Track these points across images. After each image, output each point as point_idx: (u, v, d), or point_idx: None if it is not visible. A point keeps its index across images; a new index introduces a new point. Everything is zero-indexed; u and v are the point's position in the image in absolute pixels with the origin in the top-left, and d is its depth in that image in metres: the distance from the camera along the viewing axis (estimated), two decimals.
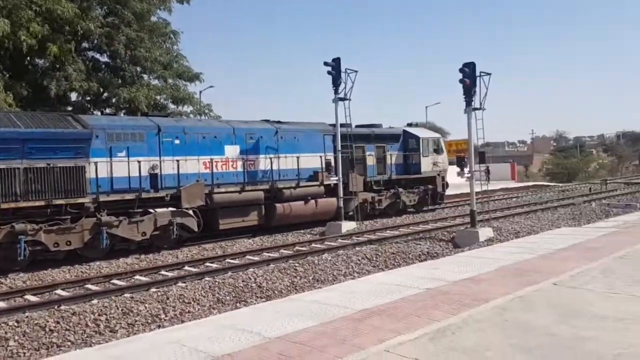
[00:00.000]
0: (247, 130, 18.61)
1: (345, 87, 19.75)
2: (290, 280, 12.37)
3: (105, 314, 9.12)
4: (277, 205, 18.58)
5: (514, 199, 28.98)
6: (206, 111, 29.01)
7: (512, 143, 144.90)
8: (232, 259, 14.27)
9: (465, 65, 16.40)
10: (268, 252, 15.11)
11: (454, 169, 21.03)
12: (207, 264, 13.73)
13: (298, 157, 19.49)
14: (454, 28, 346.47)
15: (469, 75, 16.37)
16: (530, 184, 41.69)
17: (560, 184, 42.43)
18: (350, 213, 20.57)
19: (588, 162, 59.91)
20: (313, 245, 16.32)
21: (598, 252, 9.06)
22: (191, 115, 28.12)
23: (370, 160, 22.60)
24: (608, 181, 38.58)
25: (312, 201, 19.73)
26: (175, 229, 15.59)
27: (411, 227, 19.29)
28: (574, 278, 7.40)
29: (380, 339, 5.22)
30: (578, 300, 6.35)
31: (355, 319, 5.94)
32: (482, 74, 16.38)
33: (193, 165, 16.80)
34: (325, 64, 19.74)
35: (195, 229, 16.26)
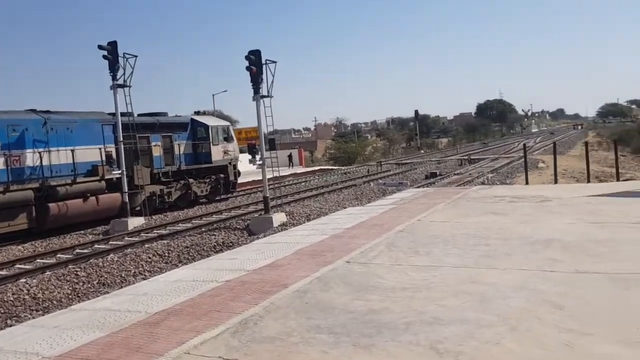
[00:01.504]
0: (8, 121, 16.25)
1: (124, 73, 18.41)
2: (71, 288, 11.12)
3: None
4: (51, 205, 16.64)
5: (303, 183, 30.27)
6: None
7: (297, 130, 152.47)
8: None
9: (251, 52, 16.40)
10: (42, 259, 13.40)
11: (246, 156, 21.09)
12: None
13: (73, 150, 17.67)
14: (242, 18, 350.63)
15: (255, 62, 16.42)
16: (317, 168, 44.03)
17: (343, 167, 45.62)
18: (137, 208, 19.39)
19: (365, 146, 65.42)
20: (96, 246, 14.99)
21: (382, 228, 9.71)
22: None
23: (157, 151, 21.53)
24: (382, 162, 42.60)
25: (93, 198, 18.13)
26: None
27: (204, 218, 18.86)
28: (363, 254, 7.77)
29: (179, 341, 4.78)
30: (369, 275, 6.63)
31: (150, 323, 5.39)
32: (267, 61, 16.55)
33: None
34: (100, 47, 18.10)
35: None
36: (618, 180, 19.76)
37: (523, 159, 23.90)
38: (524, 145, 27.10)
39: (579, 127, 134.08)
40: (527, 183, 20.16)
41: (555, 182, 20.69)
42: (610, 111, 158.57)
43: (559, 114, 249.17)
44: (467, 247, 7.82)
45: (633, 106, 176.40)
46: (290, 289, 6.24)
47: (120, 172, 18.58)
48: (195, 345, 4.67)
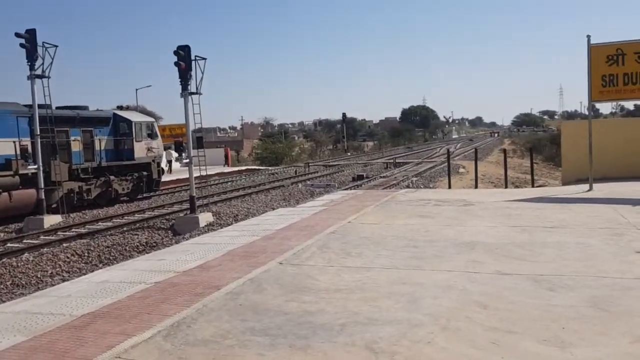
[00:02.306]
0: None
1: (43, 63, 17.49)
2: None
3: None
4: None
5: (230, 183, 29.89)
6: None
7: (223, 129, 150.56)
8: None
9: (180, 48, 16.03)
10: None
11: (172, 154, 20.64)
12: None
13: None
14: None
15: (184, 58, 16.08)
16: (243, 168, 43.56)
17: (270, 168, 45.41)
18: (54, 205, 18.47)
19: (292, 147, 65.44)
20: (9, 244, 14.15)
21: (313, 230, 9.75)
22: None
23: (76, 146, 20.62)
24: (310, 164, 42.80)
25: (5, 194, 17.12)
26: None
27: (126, 217, 18.24)
28: (296, 256, 7.77)
29: (108, 345, 4.57)
30: (302, 277, 6.64)
31: (76, 326, 5.12)
32: (197, 58, 16.25)
33: None
34: (17, 35, 17.09)
35: None
36: (533, 186, 20.94)
37: (445, 164, 24.81)
38: (448, 150, 28.12)
39: (496, 134, 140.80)
40: (449, 187, 20.93)
41: (476, 187, 21.62)
42: (524, 120, 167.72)
43: (477, 122, 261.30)
44: (397, 248, 8.00)
45: (545, 116, 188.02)
46: (222, 290, 6.13)
47: (36, 167, 17.62)
48: (126, 349, 4.49)
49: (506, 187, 21.19)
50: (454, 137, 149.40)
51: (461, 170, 33.71)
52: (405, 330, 4.70)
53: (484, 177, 29.54)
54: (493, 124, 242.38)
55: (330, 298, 5.74)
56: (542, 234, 8.61)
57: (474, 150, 28.37)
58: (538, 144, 58.64)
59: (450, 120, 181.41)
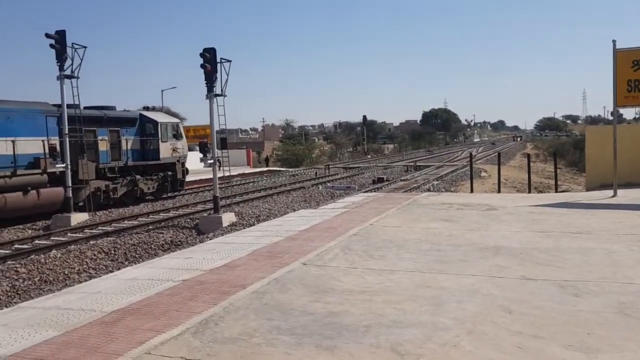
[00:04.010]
0: None
1: (72, 64, 17.84)
2: (10, 285, 10.68)
3: None
4: None
5: (251, 184, 30.10)
6: None
7: (244, 130, 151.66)
8: None
9: (206, 50, 16.22)
10: None
11: (195, 154, 20.91)
12: None
13: (14, 141, 16.97)
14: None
15: (210, 60, 16.27)
16: (265, 169, 43.84)
17: (291, 169, 45.59)
18: (81, 204, 18.81)
19: (312, 149, 65.54)
20: (37, 241, 14.44)
21: (336, 231, 9.81)
22: None
23: (103, 146, 20.99)
24: (330, 166, 42.84)
25: (34, 192, 17.47)
26: None
27: (151, 216, 18.50)
28: (319, 257, 7.83)
29: (139, 341, 4.69)
30: (326, 277, 6.70)
31: (106, 322, 5.26)
32: (222, 60, 16.43)
33: None
34: (47, 35, 17.46)
35: None
36: (556, 191, 20.73)
37: (466, 167, 24.67)
38: (470, 154, 27.94)
39: (518, 138, 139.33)
40: (472, 191, 20.80)
41: (499, 191, 21.45)
42: (547, 125, 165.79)
43: (499, 125, 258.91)
44: (420, 252, 8.02)
45: (568, 121, 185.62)
46: (248, 289, 6.23)
47: (64, 165, 17.98)
48: (156, 346, 4.59)
49: (529, 191, 21.00)
50: (475, 140, 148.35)
51: (483, 174, 33.42)
52: (431, 334, 4.73)
53: (506, 181, 29.27)
54: (516, 128, 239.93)
55: (355, 299, 5.79)
56: (566, 239, 8.55)
57: (496, 154, 28.15)
58: (561, 148, 57.94)
59: (472, 123, 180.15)
